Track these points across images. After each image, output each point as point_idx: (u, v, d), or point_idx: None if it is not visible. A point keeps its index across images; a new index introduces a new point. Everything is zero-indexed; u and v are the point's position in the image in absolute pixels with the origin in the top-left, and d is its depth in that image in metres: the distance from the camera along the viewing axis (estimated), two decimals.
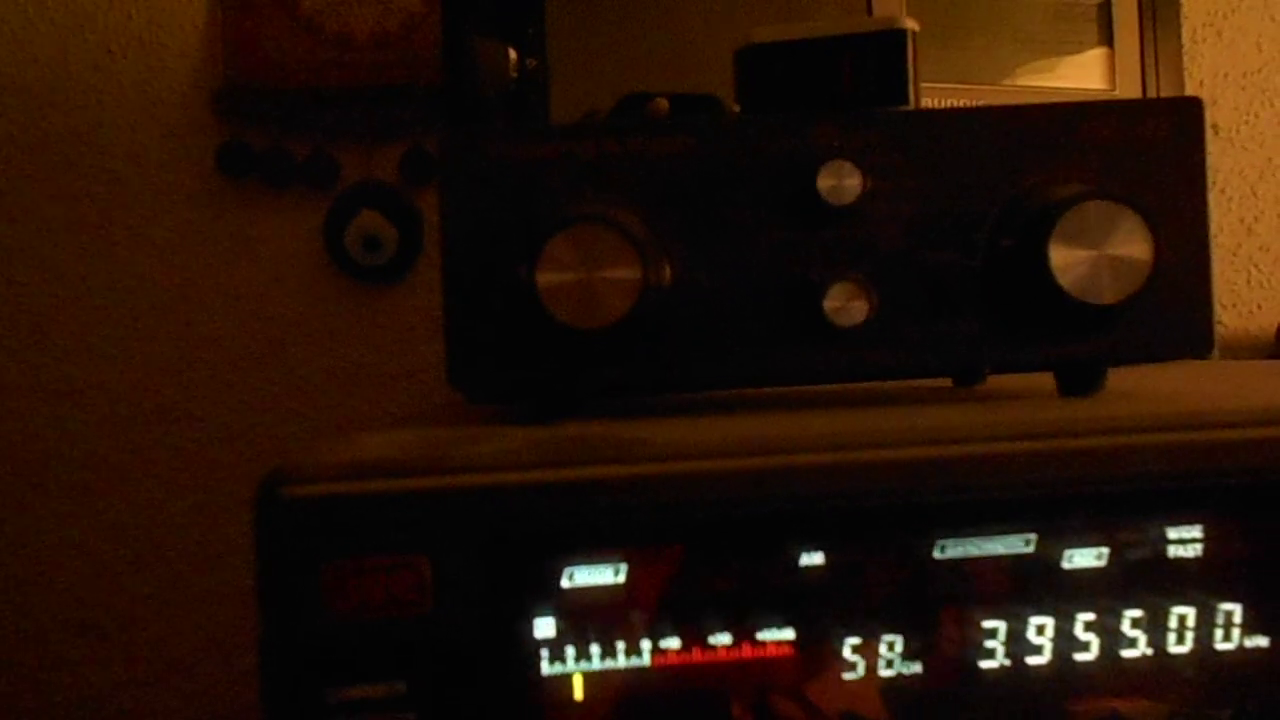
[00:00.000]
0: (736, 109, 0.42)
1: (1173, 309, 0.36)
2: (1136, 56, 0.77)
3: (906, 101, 0.39)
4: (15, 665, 0.90)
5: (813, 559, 0.28)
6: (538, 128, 0.37)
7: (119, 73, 0.91)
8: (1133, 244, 0.34)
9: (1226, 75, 0.97)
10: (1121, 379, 0.43)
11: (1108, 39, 0.77)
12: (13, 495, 0.91)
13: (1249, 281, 1.00)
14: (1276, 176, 0.99)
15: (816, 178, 0.35)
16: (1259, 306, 1.00)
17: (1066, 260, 0.34)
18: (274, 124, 0.91)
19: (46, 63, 0.91)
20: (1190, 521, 0.29)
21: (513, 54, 0.58)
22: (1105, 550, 0.29)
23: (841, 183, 0.35)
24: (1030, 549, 0.29)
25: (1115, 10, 0.76)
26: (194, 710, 0.91)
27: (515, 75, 0.58)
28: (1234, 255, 0.99)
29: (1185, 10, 0.90)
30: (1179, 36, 0.82)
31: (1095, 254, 0.34)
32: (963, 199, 0.36)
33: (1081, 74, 0.76)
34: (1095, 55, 0.77)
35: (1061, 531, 0.29)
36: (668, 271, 0.36)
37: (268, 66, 0.91)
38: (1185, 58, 0.90)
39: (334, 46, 0.93)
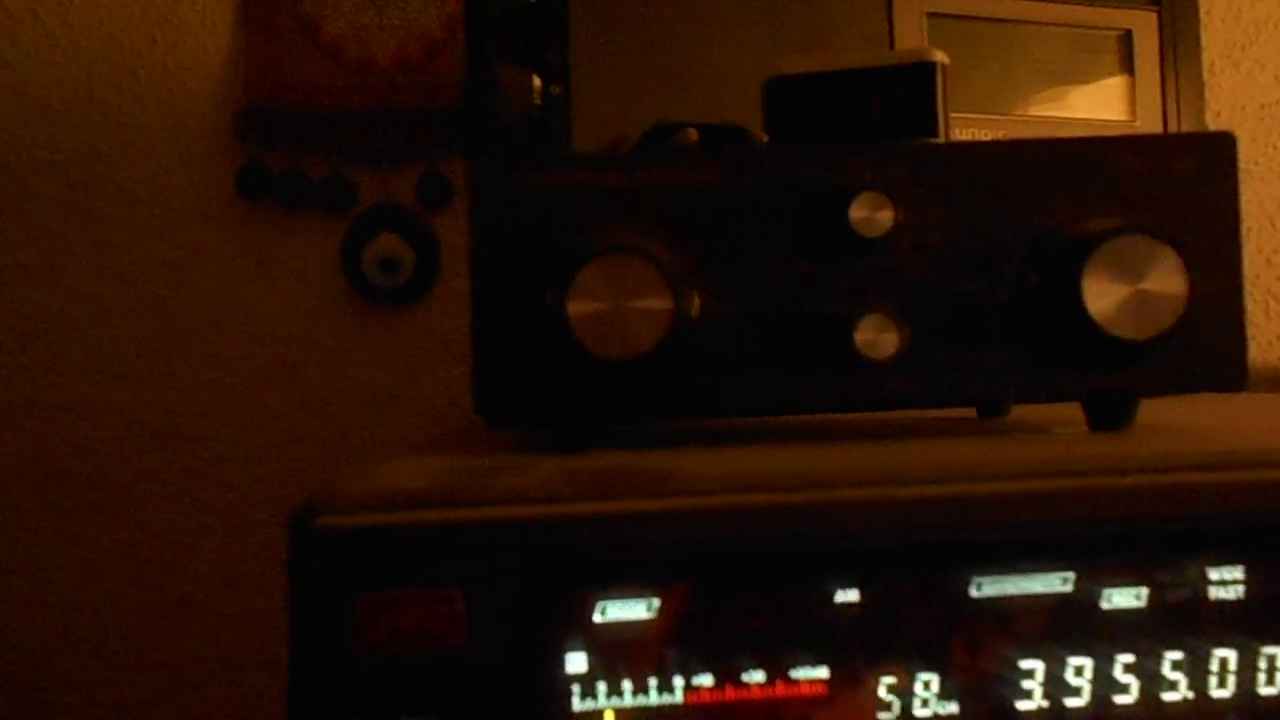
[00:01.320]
0: (764, 140, 0.42)
1: (1205, 343, 0.36)
2: (1157, 87, 0.77)
3: (936, 134, 0.39)
4: (23, 684, 0.90)
5: (848, 596, 0.28)
6: (567, 156, 0.37)
7: (142, 95, 0.92)
8: (1168, 279, 0.34)
9: (1244, 107, 0.98)
10: (1148, 413, 0.43)
11: (1128, 69, 0.77)
12: (24, 513, 0.91)
13: (1267, 314, 1.00)
14: None
15: (849, 209, 0.35)
16: (1278, 338, 1.00)
17: (1100, 294, 0.34)
18: (292, 146, 0.92)
19: (71, 84, 0.91)
20: (1232, 562, 0.29)
21: (536, 81, 0.59)
22: (1145, 590, 0.29)
23: (874, 215, 0.35)
24: (1068, 588, 0.29)
25: (1136, 41, 0.76)
26: None
27: (538, 102, 0.59)
28: (1252, 287, 0.99)
29: (1203, 42, 0.90)
30: (1200, 67, 0.82)
31: (1129, 288, 0.34)
32: (993, 232, 0.36)
33: (1101, 104, 0.76)
34: (1115, 85, 0.77)
35: (1100, 571, 0.29)
36: (697, 302, 0.36)
37: (288, 90, 0.92)
38: (1205, 88, 0.90)
39: (355, 72, 0.94)
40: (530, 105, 0.59)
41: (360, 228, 0.93)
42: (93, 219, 0.92)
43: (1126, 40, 0.77)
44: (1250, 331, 1.11)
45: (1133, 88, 0.77)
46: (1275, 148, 0.99)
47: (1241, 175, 1.06)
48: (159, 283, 0.92)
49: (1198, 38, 0.82)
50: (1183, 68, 0.79)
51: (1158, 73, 0.78)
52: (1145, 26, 0.78)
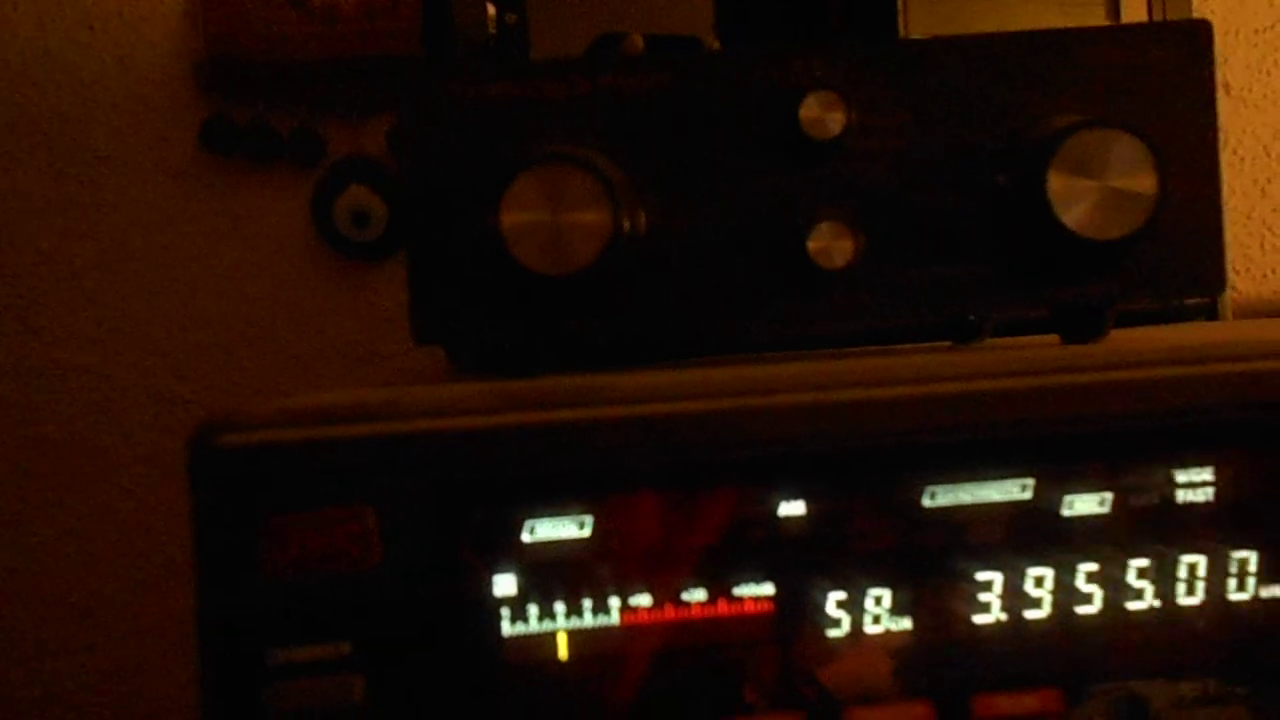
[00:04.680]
0: (718, 47, 0.40)
1: (1181, 245, 0.34)
2: (1144, 10, 0.74)
3: (896, 34, 0.37)
4: (7, 652, 0.89)
5: (793, 508, 0.26)
6: (506, 66, 0.35)
7: (99, 48, 0.89)
8: (1137, 175, 0.32)
9: (1238, 32, 0.94)
10: (1125, 336, 0.41)
11: None
12: (2, 480, 0.90)
13: (1262, 246, 0.97)
14: None
15: (798, 110, 0.33)
16: (1273, 271, 0.97)
17: (1067, 193, 0.32)
18: (258, 98, 0.89)
19: (26, 39, 0.89)
20: (1200, 463, 0.27)
21: (491, 9, 0.56)
22: (1108, 495, 0.27)
23: (825, 115, 0.33)
24: (1027, 495, 0.27)
25: None
26: (188, 696, 0.90)
27: (494, 31, 0.56)
28: (1247, 219, 0.97)
29: None
30: None
31: (1098, 185, 0.32)
32: (956, 134, 0.34)
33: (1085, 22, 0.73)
34: (1101, 7, 0.74)
35: (1061, 476, 0.27)
36: (643, 216, 0.34)
37: (251, 39, 0.90)
38: (1194, 13, 0.87)
39: (320, 19, 0.91)
40: (485, 35, 0.56)
41: (330, 180, 0.90)
42: (58, 178, 0.89)
43: None
44: (1244, 264, 1.08)
45: (1118, 7, 0.74)
46: (1269, 74, 0.96)
47: (1234, 103, 1.03)
48: (128, 242, 0.90)
49: None
50: None
51: None
52: None
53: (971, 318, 0.44)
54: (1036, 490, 0.27)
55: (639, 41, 0.38)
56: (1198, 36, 0.34)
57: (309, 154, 0.90)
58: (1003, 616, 0.27)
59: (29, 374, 0.89)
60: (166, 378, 0.90)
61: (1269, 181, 0.97)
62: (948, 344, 0.49)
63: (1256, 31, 0.95)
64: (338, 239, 0.90)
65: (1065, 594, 0.27)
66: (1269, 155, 0.96)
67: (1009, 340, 0.48)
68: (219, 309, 0.90)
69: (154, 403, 0.89)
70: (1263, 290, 0.97)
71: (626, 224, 0.32)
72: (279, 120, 0.88)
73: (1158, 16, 0.74)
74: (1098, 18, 0.73)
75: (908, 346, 0.50)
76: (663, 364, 0.44)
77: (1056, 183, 0.32)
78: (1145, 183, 0.32)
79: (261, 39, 0.89)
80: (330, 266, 0.91)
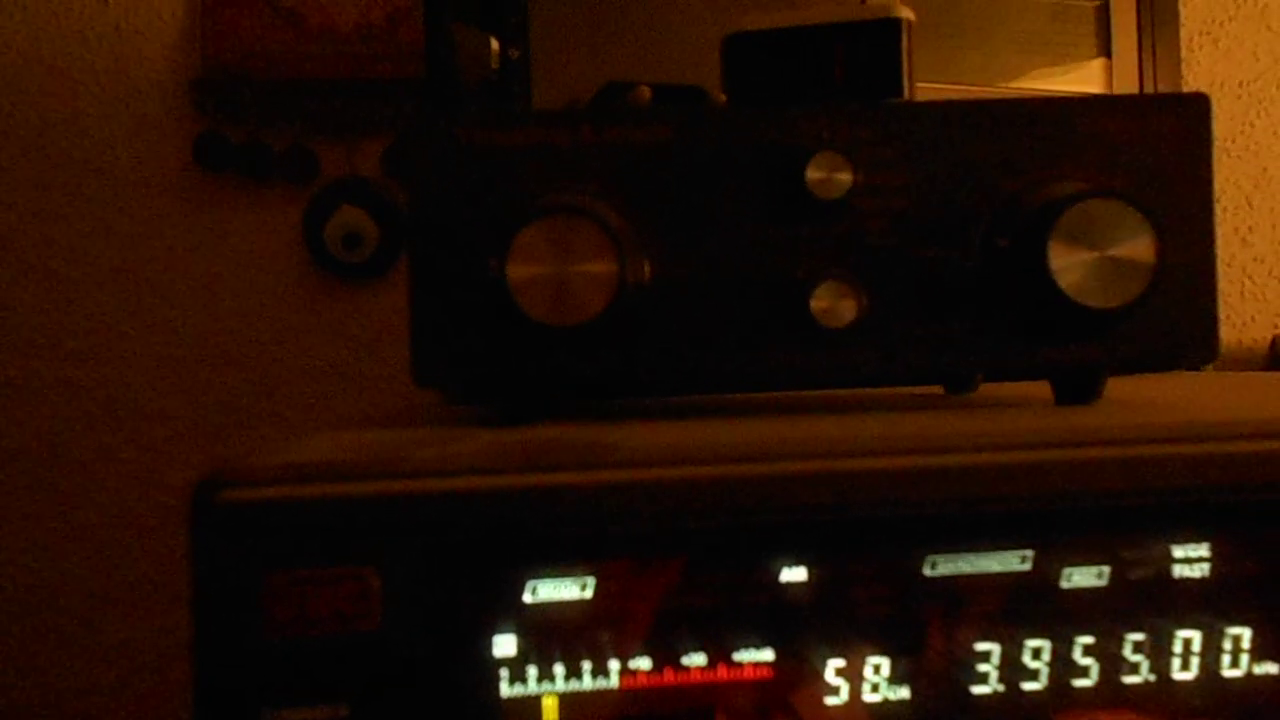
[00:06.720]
0: (723, 100, 0.40)
1: (1175, 313, 0.34)
2: (1134, 61, 0.75)
3: (901, 94, 0.37)
4: None
5: (794, 575, 0.27)
6: (512, 113, 0.35)
7: (94, 62, 0.89)
8: (1136, 245, 0.32)
9: (1223, 84, 0.96)
10: (1117, 388, 0.41)
11: (1105, 42, 0.75)
12: None
13: (1243, 294, 0.99)
14: (1271, 187, 0.98)
15: (805, 170, 0.33)
16: (1253, 319, 0.99)
17: (1066, 261, 0.32)
18: (252, 116, 0.89)
19: (20, 51, 0.88)
20: (1197, 539, 0.27)
21: (494, 44, 0.57)
22: (1106, 569, 0.27)
23: (831, 176, 0.33)
24: (1026, 567, 0.27)
25: (1114, 14, 0.74)
26: (160, 715, 0.89)
27: (497, 66, 0.57)
28: (1228, 267, 0.98)
29: (1182, 17, 0.89)
30: (1177, 42, 0.80)
31: (1097, 255, 0.32)
32: (958, 195, 0.34)
33: (1078, 78, 0.75)
34: (1092, 59, 0.76)
35: (1060, 548, 0.27)
36: (647, 268, 0.34)
37: (247, 57, 0.89)
38: (1182, 66, 0.89)
39: (316, 39, 0.91)
40: (488, 69, 0.57)
41: (322, 200, 0.90)
42: (44, 189, 0.89)
43: (1104, 13, 0.76)
44: (1225, 312, 1.10)
45: (1109, 62, 0.75)
46: (1253, 125, 0.98)
47: (1218, 153, 1.06)
48: (114, 256, 0.89)
49: (1176, 11, 0.81)
50: (1160, 41, 0.77)
51: (1135, 47, 0.77)
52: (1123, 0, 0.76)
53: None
54: (1036, 562, 0.27)
55: (646, 92, 0.39)
56: (1196, 109, 0.35)
57: (302, 173, 0.89)
58: (1000, 687, 0.27)
59: (8, 386, 0.88)
60: (147, 393, 0.89)
61: (1250, 231, 0.98)
62: (940, 391, 0.49)
63: (1240, 84, 0.97)
64: (328, 259, 0.89)
65: (1062, 666, 0.27)
66: (1250, 205, 0.98)
67: (1001, 391, 0.48)
68: (205, 325, 0.89)
69: (133, 418, 0.88)
70: (1243, 338, 0.98)
71: (632, 276, 0.32)
72: (273, 138, 0.88)
73: (1148, 70, 0.76)
74: (1089, 58, 0.75)
75: (901, 392, 0.50)
76: (656, 400, 0.44)
77: (1056, 250, 0.32)
78: (1144, 253, 0.32)
79: (258, 57, 0.89)
80: (319, 286, 0.90)
